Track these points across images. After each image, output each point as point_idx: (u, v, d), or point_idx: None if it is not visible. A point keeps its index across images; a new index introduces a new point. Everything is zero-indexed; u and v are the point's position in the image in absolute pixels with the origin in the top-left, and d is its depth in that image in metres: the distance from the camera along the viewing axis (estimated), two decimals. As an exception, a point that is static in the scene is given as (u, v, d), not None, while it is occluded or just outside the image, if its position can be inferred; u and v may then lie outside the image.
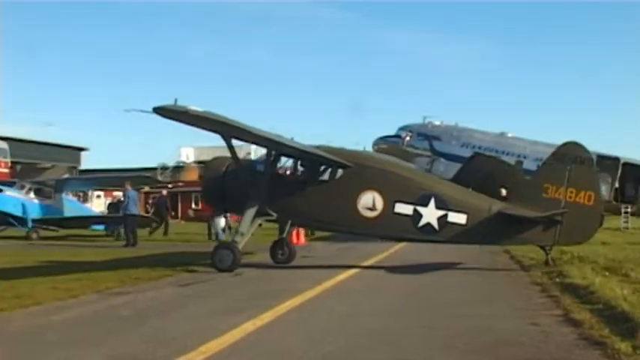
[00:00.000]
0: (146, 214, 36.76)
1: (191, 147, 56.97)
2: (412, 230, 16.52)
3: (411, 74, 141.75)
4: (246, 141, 17.94)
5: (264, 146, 17.11)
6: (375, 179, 16.71)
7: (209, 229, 31.57)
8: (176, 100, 13.27)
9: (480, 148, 36.39)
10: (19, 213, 32.69)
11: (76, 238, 32.87)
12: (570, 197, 16.04)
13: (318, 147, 17.44)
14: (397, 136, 40.47)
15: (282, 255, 18.71)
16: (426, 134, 39.52)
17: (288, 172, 17.63)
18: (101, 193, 54.69)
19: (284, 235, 19.14)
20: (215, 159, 18.36)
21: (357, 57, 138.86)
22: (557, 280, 13.92)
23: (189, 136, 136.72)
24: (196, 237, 32.65)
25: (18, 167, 51.89)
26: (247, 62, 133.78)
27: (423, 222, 16.40)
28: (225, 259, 16.08)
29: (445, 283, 14.79)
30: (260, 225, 18.26)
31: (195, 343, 7.82)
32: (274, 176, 17.19)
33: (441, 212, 16.36)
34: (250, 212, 16.75)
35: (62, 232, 34.75)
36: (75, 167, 67.71)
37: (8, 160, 45.15)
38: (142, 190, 44.75)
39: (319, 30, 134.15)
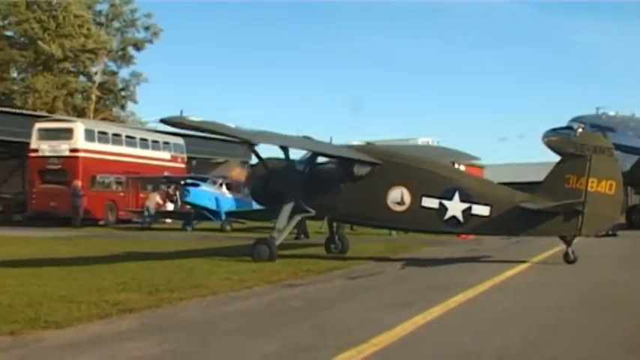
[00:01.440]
0: None
1: (361, 141, 57.52)
2: (438, 223, 16.90)
3: (585, 64, 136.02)
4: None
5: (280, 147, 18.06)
6: (403, 175, 17.18)
7: None
8: (182, 112, 14.73)
9: (659, 139, 34.73)
10: (213, 206, 34.35)
11: (261, 230, 33.89)
12: (592, 187, 15.90)
13: (350, 146, 18.53)
14: (569, 127, 39.19)
15: (335, 248, 19.40)
16: (599, 125, 38.01)
17: (324, 171, 18.27)
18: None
19: (334, 229, 19.90)
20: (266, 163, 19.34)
21: (535, 50, 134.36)
22: None
23: (359, 130, 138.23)
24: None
25: (193, 162, 53.98)
26: (419, 57, 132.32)
27: (448, 215, 16.74)
28: (263, 253, 16.72)
29: (621, 280, 14.15)
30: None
31: (366, 336, 7.85)
32: (312, 174, 18.06)
33: (465, 205, 16.65)
34: (286, 209, 17.61)
35: (249, 224, 35.99)
36: (246, 162, 69.51)
37: (185, 155, 47.13)
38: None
39: (496, 21, 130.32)
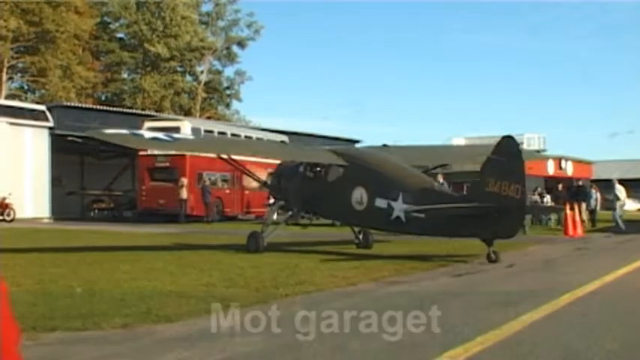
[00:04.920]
0: None
1: (462, 137, 56.69)
2: (387, 222, 17.71)
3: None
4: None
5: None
6: (363, 176, 18.32)
7: None
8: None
9: None
10: None
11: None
12: (504, 190, 15.69)
13: (330, 148, 20.31)
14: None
15: (360, 244, 20.36)
16: None
17: (309, 172, 19.77)
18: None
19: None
20: (283, 162, 21.57)
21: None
22: None
23: (459, 126, 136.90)
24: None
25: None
26: (507, 50, 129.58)
27: (394, 215, 17.36)
28: (252, 244, 18.69)
29: None
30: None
31: (472, 334, 7.80)
32: (301, 175, 19.79)
33: (406, 206, 17.16)
34: (274, 206, 21.03)
35: None
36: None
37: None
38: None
39: (605, 13, 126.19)
